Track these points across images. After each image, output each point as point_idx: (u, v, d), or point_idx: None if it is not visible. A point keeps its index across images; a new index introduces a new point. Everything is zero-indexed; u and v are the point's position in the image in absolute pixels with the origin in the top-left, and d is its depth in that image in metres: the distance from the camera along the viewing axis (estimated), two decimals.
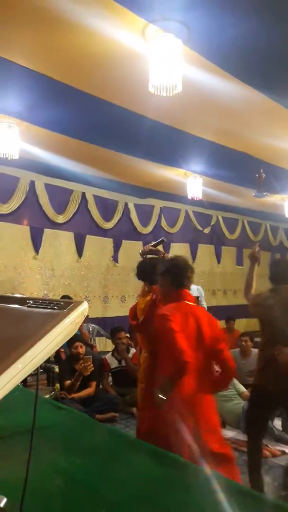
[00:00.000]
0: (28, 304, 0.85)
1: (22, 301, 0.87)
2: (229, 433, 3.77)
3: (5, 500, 0.78)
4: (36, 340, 0.71)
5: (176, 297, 2.25)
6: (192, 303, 2.30)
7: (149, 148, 4.29)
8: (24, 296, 0.99)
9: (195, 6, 2.18)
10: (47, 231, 5.59)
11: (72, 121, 3.66)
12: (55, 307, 0.82)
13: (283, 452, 3.38)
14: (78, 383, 3.83)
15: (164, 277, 2.30)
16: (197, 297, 4.92)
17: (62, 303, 0.84)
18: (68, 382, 3.84)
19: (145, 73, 2.49)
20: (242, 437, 3.67)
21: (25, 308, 0.84)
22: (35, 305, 0.84)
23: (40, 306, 0.84)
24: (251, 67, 2.80)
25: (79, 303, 0.84)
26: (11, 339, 0.73)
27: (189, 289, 2.36)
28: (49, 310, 0.81)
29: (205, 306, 5.18)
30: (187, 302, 2.26)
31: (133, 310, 2.87)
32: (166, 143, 4.19)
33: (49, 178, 5.52)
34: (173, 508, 1.19)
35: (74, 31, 2.38)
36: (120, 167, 5.11)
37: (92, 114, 3.53)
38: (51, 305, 0.83)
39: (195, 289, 5.17)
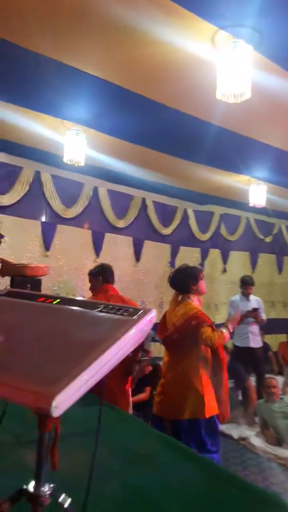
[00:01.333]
0: (99, 309, 0.87)
1: (93, 305, 0.89)
2: (286, 452, 3.59)
3: (69, 500, 0.80)
4: (108, 346, 0.72)
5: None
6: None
7: (213, 154, 4.23)
8: (96, 301, 1.01)
9: (268, 11, 2.12)
10: (107, 236, 5.72)
11: (137, 128, 3.72)
12: (125, 313, 0.83)
13: None
14: (133, 386, 3.86)
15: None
16: (257, 309, 4.75)
17: (131, 309, 0.85)
18: None
19: (213, 80, 2.47)
20: None
21: (96, 312, 0.86)
22: (105, 310, 0.86)
23: (110, 311, 0.85)
24: None
25: (148, 310, 0.84)
26: (84, 343, 0.75)
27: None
28: (119, 316, 0.82)
29: (265, 318, 4.98)
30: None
31: (163, 323, 2.87)
32: (231, 149, 4.11)
33: (112, 184, 5.66)
34: None
35: (142, 40, 2.42)
36: (181, 173, 5.11)
37: (157, 121, 3.56)
38: (121, 311, 0.84)
39: (254, 300, 5.01)
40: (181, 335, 2.63)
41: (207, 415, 2.53)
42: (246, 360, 4.91)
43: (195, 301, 2.73)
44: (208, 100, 2.81)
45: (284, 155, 4.15)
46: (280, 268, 8.20)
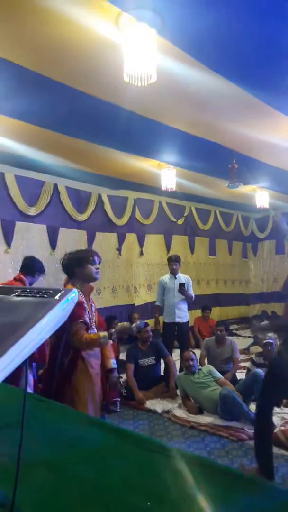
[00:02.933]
0: (16, 293, 0.84)
1: (8, 291, 0.86)
2: (207, 418, 3.86)
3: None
4: (28, 328, 0.70)
5: None
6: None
7: (123, 138, 4.26)
8: (10, 286, 0.97)
9: None
10: (18, 224, 5.47)
11: (44, 111, 3.58)
12: (45, 295, 0.82)
13: None
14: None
15: None
16: (183, 284, 5.08)
17: (51, 291, 0.84)
18: None
19: (120, 63, 2.47)
20: (220, 422, 3.77)
21: (13, 297, 0.83)
22: (23, 294, 0.83)
23: (29, 295, 0.83)
24: (225, 58, 2.82)
25: (68, 290, 0.84)
26: (3, 327, 0.72)
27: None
28: (40, 299, 0.81)
29: (192, 295, 5.31)
30: None
31: None
32: (140, 134, 4.18)
33: (20, 169, 5.39)
34: (162, 491, 1.22)
35: (46, 19, 2.32)
36: (93, 158, 5.06)
37: (64, 104, 3.47)
38: (40, 293, 0.83)
39: (182, 278, 5.33)
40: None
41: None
42: (173, 335, 5.27)
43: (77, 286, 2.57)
44: (116, 83, 2.81)
45: (190, 138, 4.32)
46: (192, 248, 8.63)
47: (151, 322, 5.76)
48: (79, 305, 2.45)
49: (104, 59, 2.71)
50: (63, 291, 0.83)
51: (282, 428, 3.45)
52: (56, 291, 0.83)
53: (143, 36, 2.30)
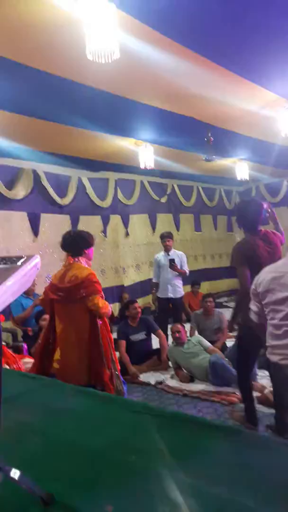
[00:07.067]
0: None
1: None
2: (198, 386, 4.00)
3: None
4: None
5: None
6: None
7: (95, 118, 4.23)
8: None
9: None
10: None
11: (8, 94, 3.49)
12: (8, 262, 0.88)
13: None
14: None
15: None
16: (173, 259, 5.20)
17: (14, 258, 0.89)
18: None
19: (83, 40, 2.46)
20: (212, 388, 3.92)
21: None
22: None
23: None
24: (189, 29, 2.79)
25: (31, 257, 0.90)
26: None
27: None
28: (2, 266, 0.86)
29: (186, 271, 5.51)
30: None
31: (53, 284, 2.93)
32: (112, 112, 4.16)
33: None
34: (146, 446, 1.32)
35: None
36: (67, 141, 5.02)
37: (29, 86, 3.39)
38: (4, 261, 0.88)
39: (174, 254, 5.49)
40: (72, 297, 2.69)
41: (107, 379, 2.67)
42: (166, 310, 5.44)
43: (84, 264, 2.81)
44: (81, 61, 2.78)
45: (164, 114, 4.31)
46: (177, 226, 8.69)
47: (142, 300, 5.88)
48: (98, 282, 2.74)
49: (66, 36, 2.67)
50: (25, 257, 0.89)
51: (271, 389, 3.60)
52: (19, 258, 0.89)
53: (102, 10, 2.29)
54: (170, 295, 5.40)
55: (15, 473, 0.92)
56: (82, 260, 2.81)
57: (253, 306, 2.42)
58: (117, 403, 1.78)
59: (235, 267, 2.96)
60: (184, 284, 7.09)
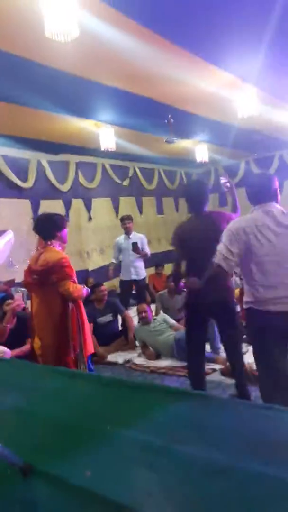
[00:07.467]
0: None
1: None
2: (164, 362, 4.15)
3: None
4: None
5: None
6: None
7: (54, 99, 4.14)
8: None
9: None
10: None
11: None
12: None
13: (213, 370, 3.82)
14: (9, 326, 3.83)
15: None
16: (135, 243, 5.28)
17: None
18: None
19: (42, 19, 2.40)
20: (177, 363, 4.06)
21: None
22: None
23: None
24: (150, 10, 2.77)
25: (4, 231, 0.92)
26: None
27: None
28: None
29: (148, 252, 5.66)
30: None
31: (28, 268, 2.94)
32: (72, 93, 4.09)
33: None
34: (118, 416, 1.39)
35: None
36: (23, 122, 4.87)
37: None
38: None
39: (135, 237, 5.60)
40: (44, 281, 2.71)
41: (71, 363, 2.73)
42: (130, 292, 5.59)
43: (57, 248, 2.82)
44: (39, 40, 2.71)
45: (124, 95, 4.29)
46: (140, 209, 8.74)
47: (107, 284, 5.92)
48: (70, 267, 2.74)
49: (26, 15, 2.59)
50: None
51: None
52: None
53: None
54: (134, 277, 5.53)
55: None
56: (56, 244, 2.81)
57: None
58: (88, 379, 1.84)
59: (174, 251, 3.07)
60: (148, 266, 7.21)
